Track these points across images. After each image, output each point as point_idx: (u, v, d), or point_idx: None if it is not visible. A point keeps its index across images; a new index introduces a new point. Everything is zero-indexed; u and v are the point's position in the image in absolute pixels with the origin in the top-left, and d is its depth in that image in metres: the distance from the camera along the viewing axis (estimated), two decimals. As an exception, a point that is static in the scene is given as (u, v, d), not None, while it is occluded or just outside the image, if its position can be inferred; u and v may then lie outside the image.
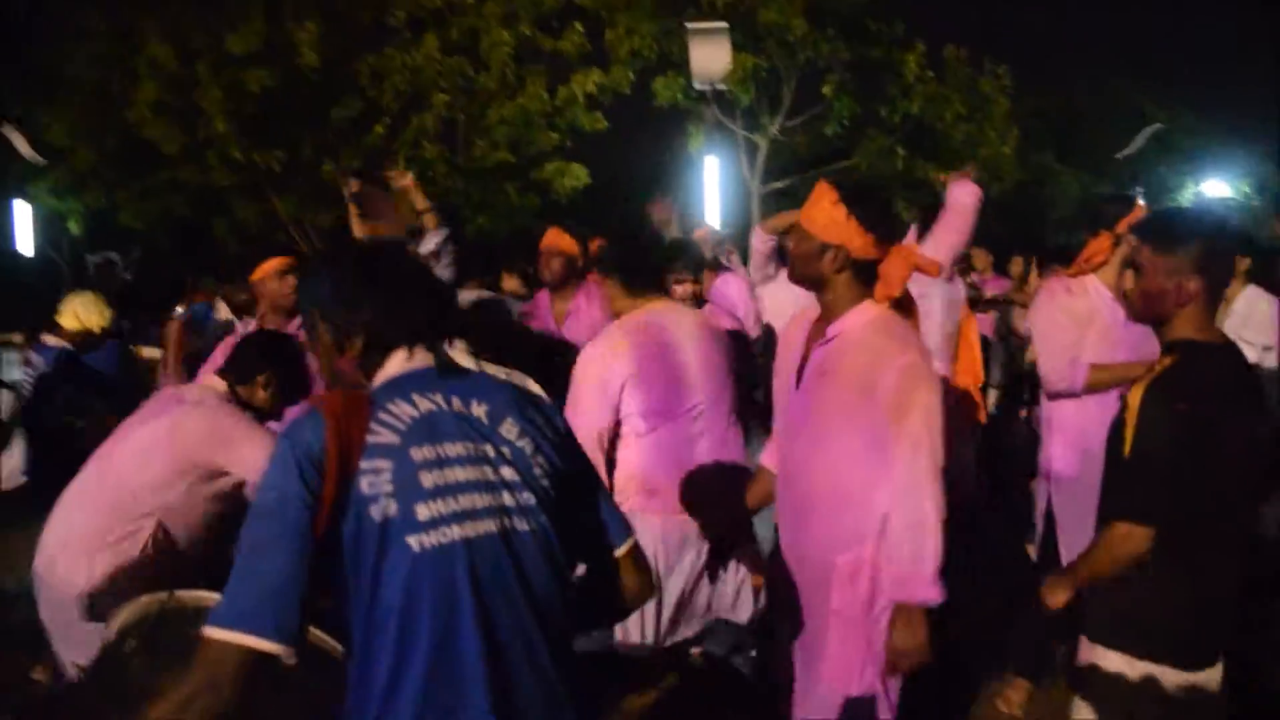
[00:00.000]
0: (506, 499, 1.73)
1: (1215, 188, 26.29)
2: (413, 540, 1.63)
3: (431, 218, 4.76)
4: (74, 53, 15.83)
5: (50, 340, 5.57)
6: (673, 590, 3.20)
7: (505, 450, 1.75)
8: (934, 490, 2.47)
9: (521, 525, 1.73)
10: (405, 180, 4.99)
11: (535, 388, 1.91)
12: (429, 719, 1.62)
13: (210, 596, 2.07)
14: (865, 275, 2.58)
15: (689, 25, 11.65)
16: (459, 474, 1.69)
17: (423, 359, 1.79)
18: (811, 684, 2.65)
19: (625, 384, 3.17)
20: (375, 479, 1.63)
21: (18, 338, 6.91)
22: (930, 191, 14.53)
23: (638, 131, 14.98)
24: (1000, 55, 16.06)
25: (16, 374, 6.26)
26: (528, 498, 1.75)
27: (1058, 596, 2.49)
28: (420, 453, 1.67)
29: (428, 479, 1.66)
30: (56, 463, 5.44)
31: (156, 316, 7.05)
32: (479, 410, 1.76)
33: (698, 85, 12.10)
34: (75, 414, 5.25)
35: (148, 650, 2.06)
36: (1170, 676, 2.43)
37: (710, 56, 11.55)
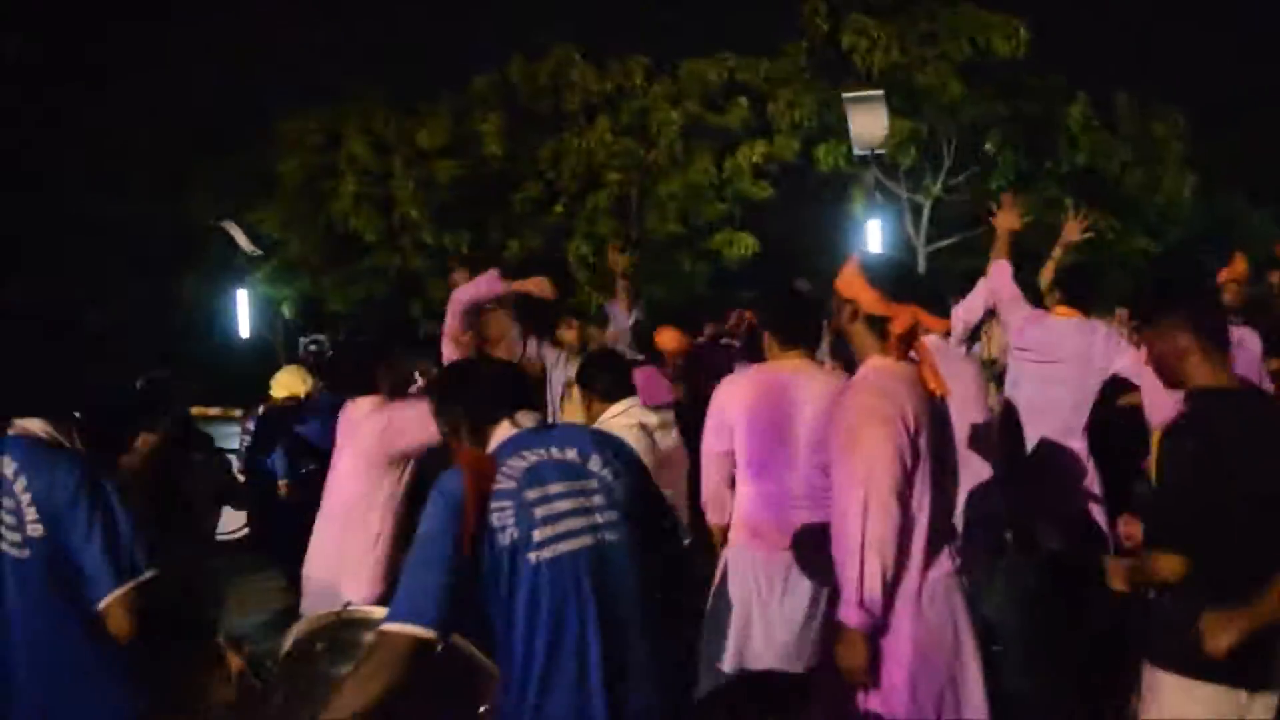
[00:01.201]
0: (598, 518, 2.29)
1: None
2: (532, 556, 2.19)
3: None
4: (286, 155, 17.46)
5: (263, 410, 6.45)
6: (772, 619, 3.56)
7: (593, 482, 2.32)
8: (865, 523, 2.69)
9: (611, 536, 2.29)
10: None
11: (607, 431, 2.59)
12: (554, 694, 2.17)
13: (374, 610, 2.69)
14: (878, 329, 2.89)
15: (846, 95, 12.07)
16: (561, 505, 2.26)
17: (521, 424, 2.41)
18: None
19: (735, 423, 3.63)
20: (502, 514, 2.21)
21: (238, 412, 7.78)
22: (1101, 242, 14.41)
23: (803, 198, 15.40)
24: (1179, 99, 15.83)
25: (235, 444, 7.09)
26: (614, 515, 2.31)
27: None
28: (531, 493, 2.24)
29: (539, 511, 2.23)
30: (274, 516, 6.24)
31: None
32: (570, 454, 2.34)
33: (857, 151, 12.49)
34: (292, 470, 6.00)
35: (332, 649, 2.63)
36: (1225, 696, 2.61)
37: (869, 123, 11.92)
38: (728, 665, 3.60)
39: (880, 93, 11.96)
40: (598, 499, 2.31)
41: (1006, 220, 4.98)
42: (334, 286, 18.49)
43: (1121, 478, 4.86)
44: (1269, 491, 2.52)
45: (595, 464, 2.35)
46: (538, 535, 2.21)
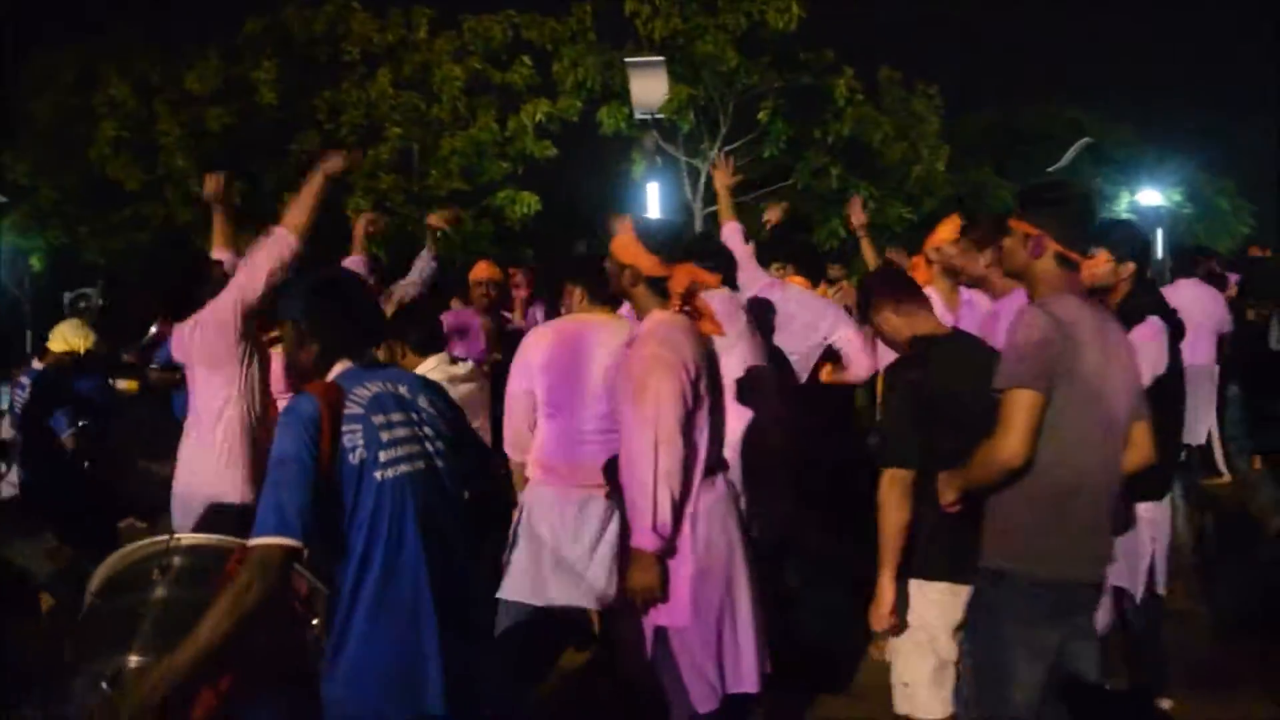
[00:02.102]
0: (429, 446, 2.52)
1: (1149, 196, 27.27)
2: (377, 474, 2.38)
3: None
4: (38, 94, 16.28)
5: (38, 364, 6.10)
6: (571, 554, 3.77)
7: (423, 415, 2.55)
8: (655, 460, 3.01)
9: (439, 463, 2.53)
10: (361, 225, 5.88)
11: (428, 377, 2.81)
12: (389, 591, 2.36)
13: (201, 537, 2.88)
14: (658, 289, 3.20)
15: (627, 60, 12.33)
16: (400, 432, 2.46)
17: (359, 360, 2.56)
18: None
19: (536, 366, 3.82)
20: (352, 436, 2.38)
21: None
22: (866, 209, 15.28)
23: (586, 159, 15.62)
24: (939, 77, 16.94)
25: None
26: (440, 445, 2.56)
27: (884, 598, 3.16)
28: (377, 418, 2.43)
29: (384, 435, 2.42)
30: (47, 477, 5.98)
31: (128, 347, 7.57)
32: (403, 390, 2.56)
33: (638, 114, 12.80)
34: (72, 425, 5.77)
35: (167, 575, 2.72)
36: (950, 592, 3.06)
37: (649, 88, 12.24)
38: (525, 599, 3.76)
39: (661, 59, 12.29)
40: (427, 430, 2.53)
41: (721, 178, 5.43)
42: (91, 236, 17.44)
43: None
44: (970, 414, 2.85)
45: (423, 401, 2.57)
46: (383, 456, 2.39)
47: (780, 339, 4.89)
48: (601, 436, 3.70)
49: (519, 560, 3.83)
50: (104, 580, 2.79)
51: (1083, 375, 2.70)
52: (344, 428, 2.37)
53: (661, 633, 3.16)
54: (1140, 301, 3.92)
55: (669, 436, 3.02)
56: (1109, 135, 27.18)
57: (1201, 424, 7.78)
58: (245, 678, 2.37)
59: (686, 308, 3.21)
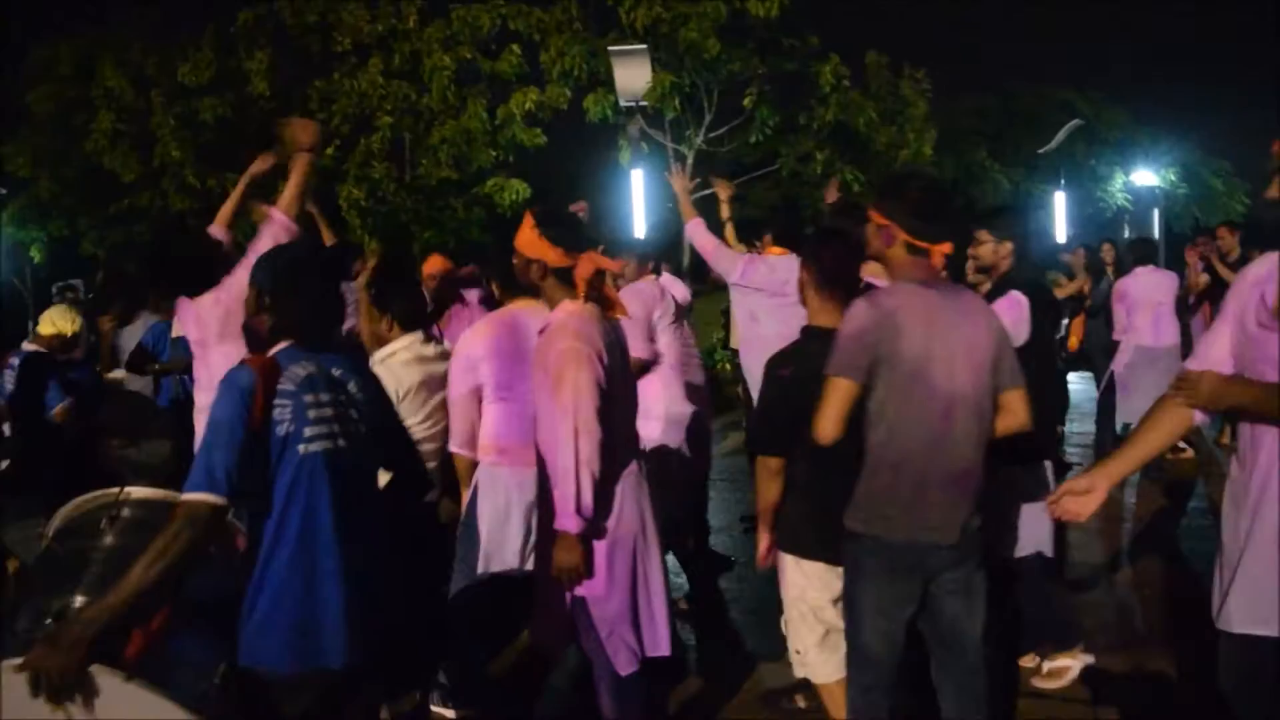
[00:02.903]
0: (351, 428, 2.76)
1: (1143, 177, 27.35)
2: (300, 447, 2.62)
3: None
4: (36, 87, 16.46)
5: (28, 345, 6.34)
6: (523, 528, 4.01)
7: (351, 399, 2.80)
8: (576, 447, 3.20)
9: (359, 444, 2.77)
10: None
11: (365, 362, 3.07)
12: (300, 557, 2.62)
13: (152, 491, 3.08)
14: (565, 280, 3.38)
15: (611, 48, 12.51)
16: (327, 411, 2.70)
17: (307, 340, 2.77)
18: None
19: (480, 357, 4.04)
20: (282, 410, 2.61)
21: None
22: (850, 194, 15.45)
23: (574, 146, 15.78)
24: (929, 61, 17.00)
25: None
26: (363, 428, 2.80)
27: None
28: (307, 397, 2.66)
29: (311, 413, 2.65)
30: (37, 454, 6.21)
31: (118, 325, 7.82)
32: (337, 373, 2.79)
33: (623, 102, 12.99)
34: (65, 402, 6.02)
35: (116, 526, 2.98)
36: (826, 571, 3.37)
37: (633, 75, 12.44)
38: (480, 567, 4.04)
39: (644, 47, 12.46)
40: (353, 413, 2.76)
41: (678, 183, 5.90)
42: (89, 229, 17.66)
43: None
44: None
45: (353, 386, 2.80)
46: (308, 431, 2.63)
47: (781, 312, 5.04)
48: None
49: (473, 532, 4.07)
50: (58, 526, 3.07)
51: (904, 359, 2.96)
52: (276, 401, 2.60)
53: (581, 602, 3.39)
54: (1014, 278, 4.22)
55: (588, 425, 3.22)
56: (1103, 117, 27.24)
57: None
58: (176, 614, 2.63)
59: (594, 295, 3.41)
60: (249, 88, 15.18)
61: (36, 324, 6.43)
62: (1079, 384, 11.65)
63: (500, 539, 4.00)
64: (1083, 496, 2.81)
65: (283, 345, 2.75)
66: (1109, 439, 8.38)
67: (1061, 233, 19.50)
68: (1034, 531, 4.25)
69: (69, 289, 9.24)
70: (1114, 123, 27.27)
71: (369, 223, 14.84)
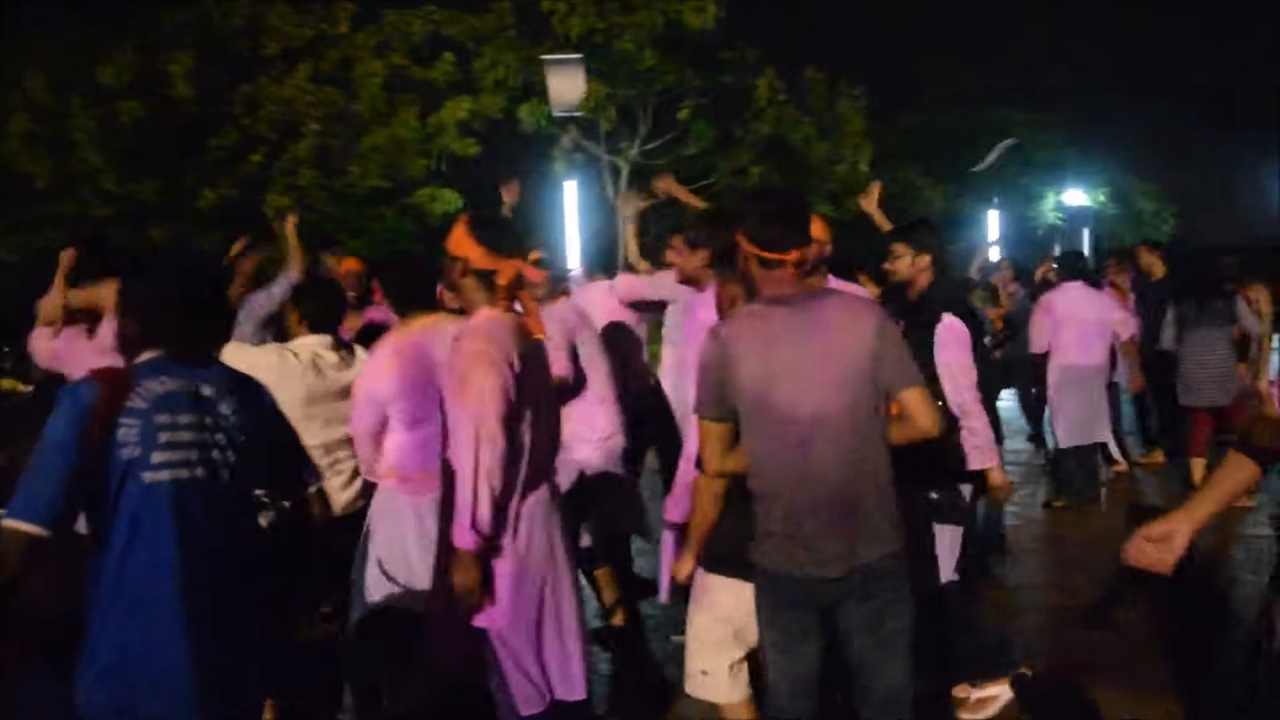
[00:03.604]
0: (215, 454, 2.47)
1: (1074, 197, 27.76)
2: (146, 475, 2.35)
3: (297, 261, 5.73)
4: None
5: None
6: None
7: (220, 421, 2.50)
8: (477, 455, 2.99)
9: (223, 473, 2.48)
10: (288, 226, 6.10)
11: (255, 379, 2.74)
12: (144, 601, 2.33)
13: None
14: (486, 283, 3.21)
15: (544, 57, 12.33)
16: (185, 435, 2.41)
17: (173, 353, 2.51)
18: None
19: (381, 393, 3.79)
20: (128, 431, 2.34)
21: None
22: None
23: (508, 156, 15.55)
24: (866, 78, 17.04)
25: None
26: (231, 455, 2.50)
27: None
28: (160, 417, 2.38)
29: (163, 436, 2.37)
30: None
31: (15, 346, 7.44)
32: (208, 392, 2.50)
33: (557, 112, 12.81)
34: None
35: None
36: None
37: (566, 86, 12.25)
38: (374, 596, 3.78)
39: (579, 57, 12.30)
40: (220, 437, 2.47)
41: (629, 206, 5.61)
42: (3, 234, 17.02)
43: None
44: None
45: (226, 406, 2.50)
46: (156, 457, 2.35)
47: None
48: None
49: (367, 557, 3.83)
50: None
51: (742, 388, 2.83)
52: (121, 420, 2.33)
53: (482, 634, 3.16)
54: (938, 294, 4.11)
55: (490, 433, 3.01)
56: (1038, 137, 27.60)
57: (1099, 421, 7.92)
58: (15, 651, 2.44)
59: (513, 305, 3.22)
60: (170, 90, 14.72)
61: None
62: (1005, 400, 11.66)
63: (393, 567, 3.76)
64: (1163, 543, 2.46)
65: (147, 356, 2.48)
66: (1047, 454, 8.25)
67: (995, 251, 19.65)
68: (950, 558, 4.12)
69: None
70: (1047, 142, 27.65)
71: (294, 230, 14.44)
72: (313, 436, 4.14)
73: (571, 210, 12.05)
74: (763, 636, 2.98)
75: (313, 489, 2.85)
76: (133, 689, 2.32)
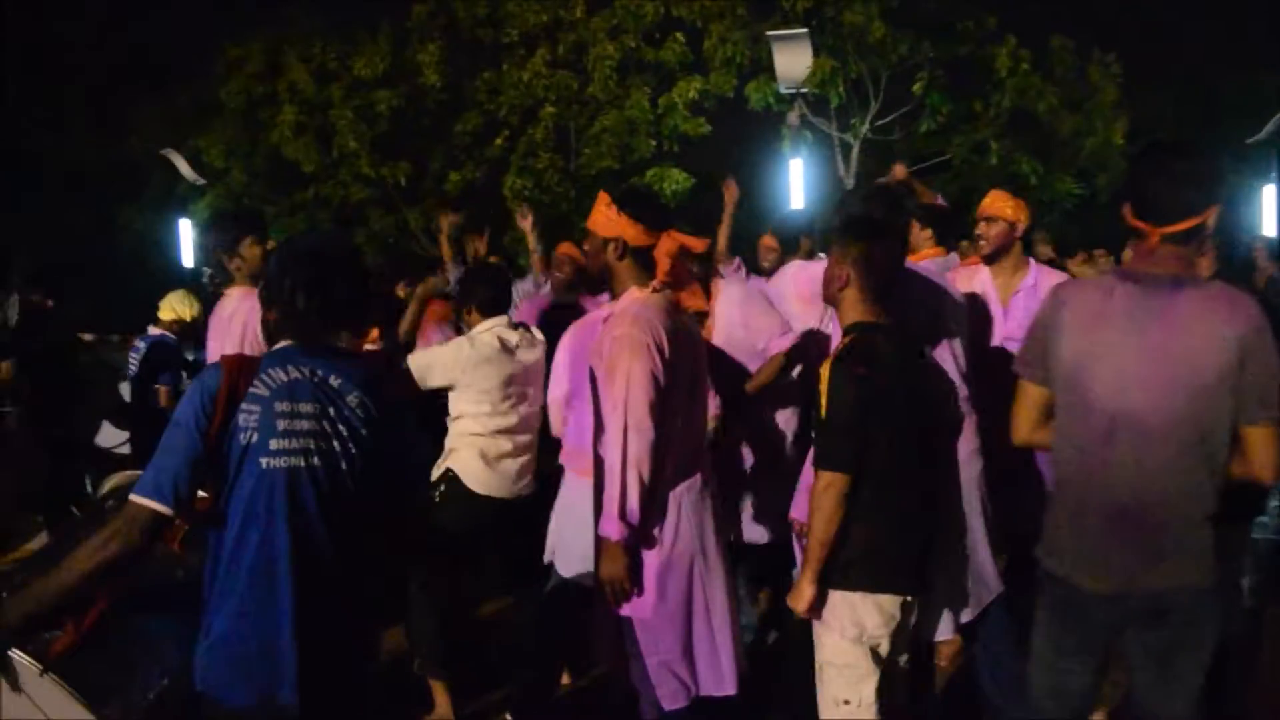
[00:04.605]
0: (336, 445, 2.47)
1: (1371, 172, 24.92)
2: (263, 460, 2.40)
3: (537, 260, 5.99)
4: (227, 82, 17.33)
5: (153, 330, 6.56)
6: None
7: (345, 413, 2.48)
8: (625, 444, 2.92)
9: (342, 464, 2.47)
10: (525, 223, 6.32)
11: (384, 374, 2.81)
12: (255, 586, 2.41)
13: None
14: (644, 261, 3.12)
15: (770, 33, 12.16)
16: (304, 424, 2.44)
17: (310, 339, 2.55)
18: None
19: (560, 364, 3.90)
20: (248, 416, 2.40)
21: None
22: (1026, 185, 14.60)
23: (737, 135, 15.48)
24: (1124, 47, 15.89)
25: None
26: (353, 448, 2.48)
27: (803, 596, 2.87)
28: (281, 404, 2.43)
29: (281, 423, 2.41)
30: (148, 436, 6.42)
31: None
32: (335, 382, 2.50)
33: (784, 89, 12.62)
34: (175, 396, 6.18)
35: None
36: (885, 602, 2.88)
37: (793, 61, 12.05)
38: (561, 569, 3.85)
39: (804, 30, 12.06)
40: (343, 429, 2.47)
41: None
42: (276, 217, 18.45)
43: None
44: (908, 421, 2.84)
45: (353, 399, 2.50)
46: (274, 444, 2.40)
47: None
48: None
49: (554, 530, 3.90)
50: (109, 487, 3.02)
51: (1060, 360, 2.70)
52: (243, 406, 2.40)
53: (629, 624, 3.11)
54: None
55: (639, 421, 2.94)
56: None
57: None
58: (127, 613, 2.52)
59: (669, 282, 3.14)
60: (421, 80, 15.51)
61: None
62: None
63: (569, 546, 3.78)
64: None
65: (282, 344, 2.54)
66: None
67: (1272, 229, 17.96)
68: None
69: (202, 275, 9.57)
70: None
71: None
72: (511, 415, 4.29)
73: (797, 189, 11.87)
74: (1033, 641, 2.78)
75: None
76: (245, 663, 2.40)
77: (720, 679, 3.15)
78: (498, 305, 4.47)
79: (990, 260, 4.26)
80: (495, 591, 5.51)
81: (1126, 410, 2.50)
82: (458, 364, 4.23)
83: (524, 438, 4.40)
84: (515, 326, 4.51)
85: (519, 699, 4.14)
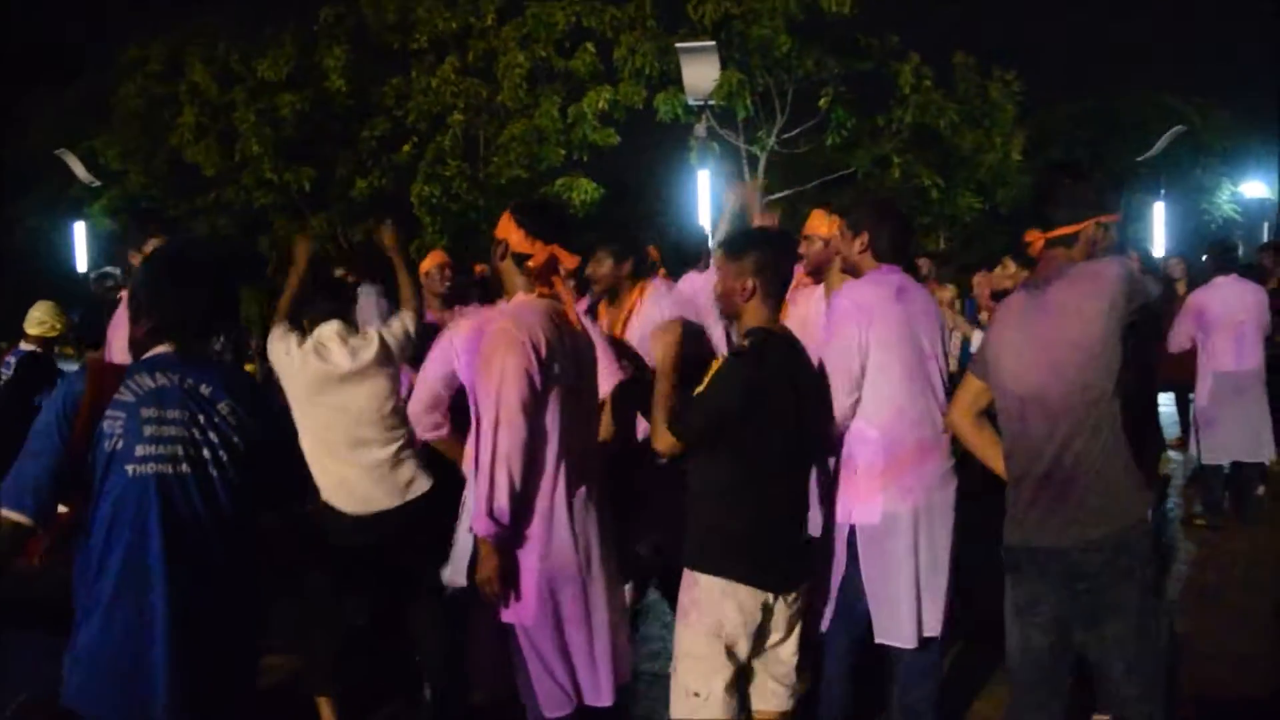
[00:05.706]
0: (205, 452, 2.41)
1: (1253, 188, 26.07)
2: (129, 467, 2.34)
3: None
4: (125, 81, 16.87)
5: (23, 345, 6.25)
6: None
7: (216, 420, 2.44)
8: (495, 439, 2.91)
9: (212, 471, 2.42)
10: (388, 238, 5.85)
11: (252, 379, 2.82)
12: (124, 596, 2.34)
13: None
14: (522, 266, 3.13)
15: (679, 45, 12.28)
16: (171, 430, 2.39)
17: (182, 347, 2.49)
18: None
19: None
20: (113, 423, 2.35)
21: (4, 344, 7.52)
22: (927, 200, 14.95)
23: (645, 145, 15.60)
24: (1022, 64, 16.36)
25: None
26: (224, 455, 2.43)
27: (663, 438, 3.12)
28: (147, 411, 2.37)
29: (147, 429, 2.36)
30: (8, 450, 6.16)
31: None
32: (206, 390, 2.45)
33: (691, 101, 12.75)
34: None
35: None
36: (746, 599, 2.98)
37: (701, 73, 12.19)
38: (455, 577, 3.78)
39: (712, 43, 12.20)
40: (214, 436, 2.42)
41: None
42: (175, 221, 17.99)
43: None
44: (790, 423, 3.03)
45: (224, 407, 2.45)
46: (140, 450, 2.35)
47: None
48: None
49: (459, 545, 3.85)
50: None
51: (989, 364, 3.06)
52: (108, 412, 2.34)
53: (510, 629, 3.09)
54: None
55: (510, 416, 2.92)
56: (1210, 123, 26.04)
57: (1263, 436, 7.16)
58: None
59: (549, 290, 3.17)
60: (327, 83, 15.30)
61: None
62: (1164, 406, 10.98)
63: (461, 553, 3.74)
64: None
65: (154, 352, 2.47)
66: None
67: (1160, 245, 18.65)
68: None
69: (109, 276, 9.23)
70: (1221, 130, 26.04)
71: (438, 220, 14.87)
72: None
73: (705, 200, 11.99)
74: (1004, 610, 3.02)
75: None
76: (115, 678, 2.34)
77: (598, 690, 3.15)
78: (334, 308, 4.28)
79: (815, 278, 4.36)
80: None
81: (1030, 392, 2.85)
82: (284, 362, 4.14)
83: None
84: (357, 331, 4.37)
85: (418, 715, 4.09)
